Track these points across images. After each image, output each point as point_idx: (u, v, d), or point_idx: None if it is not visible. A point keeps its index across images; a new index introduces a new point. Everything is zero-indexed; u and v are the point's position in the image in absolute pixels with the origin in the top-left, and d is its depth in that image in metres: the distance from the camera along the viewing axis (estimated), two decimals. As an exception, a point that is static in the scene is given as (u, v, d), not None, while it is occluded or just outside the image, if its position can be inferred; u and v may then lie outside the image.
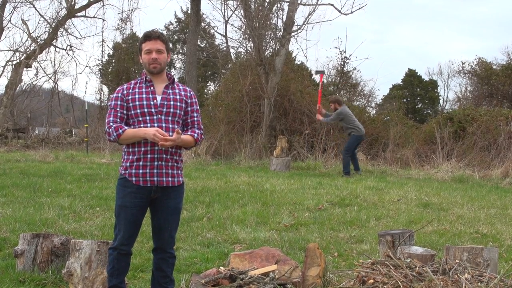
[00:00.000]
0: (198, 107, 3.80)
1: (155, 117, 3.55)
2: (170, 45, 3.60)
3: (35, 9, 21.63)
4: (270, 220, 6.97)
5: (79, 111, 28.29)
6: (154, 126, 3.52)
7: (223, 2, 18.72)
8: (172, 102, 3.62)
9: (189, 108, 3.71)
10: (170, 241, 3.71)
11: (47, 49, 22.11)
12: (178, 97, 3.66)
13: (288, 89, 16.26)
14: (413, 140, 16.21)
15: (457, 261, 3.96)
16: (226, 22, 19.42)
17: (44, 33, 21.70)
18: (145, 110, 3.55)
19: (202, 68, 30.75)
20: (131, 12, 24.52)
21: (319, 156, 14.19)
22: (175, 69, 34.11)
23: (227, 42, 20.99)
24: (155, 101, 3.58)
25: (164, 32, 31.16)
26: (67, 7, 21.05)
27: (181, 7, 38.07)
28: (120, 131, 3.51)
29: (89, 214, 6.94)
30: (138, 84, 3.65)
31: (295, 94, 16.23)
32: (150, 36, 3.62)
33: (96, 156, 14.65)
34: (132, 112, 3.57)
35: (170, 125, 3.58)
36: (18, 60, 21.09)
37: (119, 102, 3.60)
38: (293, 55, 21.49)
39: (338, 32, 56.54)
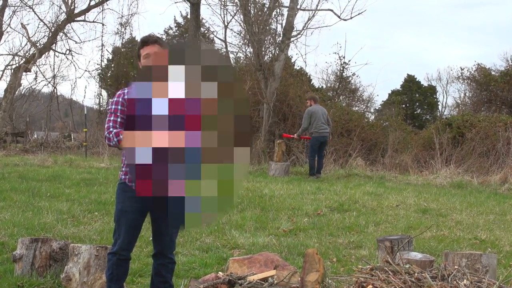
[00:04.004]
0: None
1: None
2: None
3: (35, 13, 21.48)
4: (269, 225, 6.97)
5: (78, 116, 28.28)
6: None
7: (222, 7, 18.74)
8: None
9: (189, 113, 3.72)
10: (170, 245, 3.71)
11: (47, 53, 22.09)
12: (178, 102, 3.66)
13: (287, 94, 16.29)
14: (412, 145, 16.22)
15: (456, 267, 3.96)
16: (226, 27, 19.40)
17: (43, 37, 21.70)
18: None
19: (201, 72, 30.74)
20: (130, 17, 24.56)
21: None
22: (174, 73, 34.09)
23: (226, 47, 20.96)
24: (155, 107, 3.58)
25: (164, 37, 31.19)
26: (67, 11, 21.06)
27: (180, 12, 38.13)
28: (121, 136, 3.51)
29: (88, 219, 6.93)
30: (138, 89, 3.65)
31: (294, 99, 16.26)
32: (147, 41, 3.63)
33: (95, 160, 14.64)
34: (133, 117, 3.57)
35: (170, 131, 3.58)
36: (17, 64, 21.08)
37: (119, 107, 3.59)
38: (293, 60, 21.56)
39: (337, 37, 56.79)
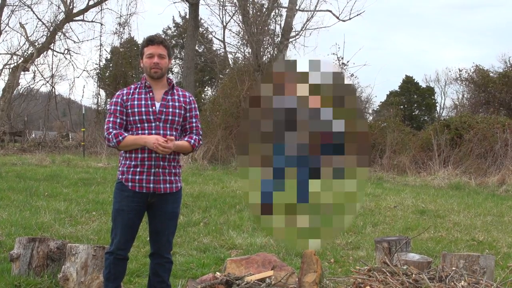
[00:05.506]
0: (198, 112, 3.79)
1: (153, 124, 3.54)
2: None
3: (33, 13, 21.46)
4: (266, 225, 6.96)
5: (76, 115, 28.27)
6: (152, 133, 3.51)
7: (221, 8, 18.77)
8: (171, 110, 3.60)
9: (188, 114, 3.70)
10: (167, 245, 3.70)
11: (45, 52, 22.10)
12: (177, 103, 3.64)
13: (285, 94, 16.27)
14: (410, 147, 16.24)
15: (453, 268, 3.96)
16: (224, 27, 19.44)
17: (41, 36, 21.71)
18: (144, 117, 3.54)
19: (199, 73, 30.75)
20: (129, 17, 24.58)
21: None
22: (172, 74, 34.09)
23: (225, 48, 21.00)
24: (153, 108, 3.56)
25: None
26: (65, 11, 21.07)
27: (179, 12, 38.16)
28: (120, 138, 3.50)
29: (85, 219, 6.92)
30: (137, 90, 3.64)
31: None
32: (153, 40, 3.61)
33: (92, 160, 14.62)
34: (131, 118, 3.56)
35: (168, 132, 3.56)
36: (15, 64, 21.07)
37: (118, 108, 3.59)
38: (291, 61, 21.52)
39: (336, 38, 56.79)
